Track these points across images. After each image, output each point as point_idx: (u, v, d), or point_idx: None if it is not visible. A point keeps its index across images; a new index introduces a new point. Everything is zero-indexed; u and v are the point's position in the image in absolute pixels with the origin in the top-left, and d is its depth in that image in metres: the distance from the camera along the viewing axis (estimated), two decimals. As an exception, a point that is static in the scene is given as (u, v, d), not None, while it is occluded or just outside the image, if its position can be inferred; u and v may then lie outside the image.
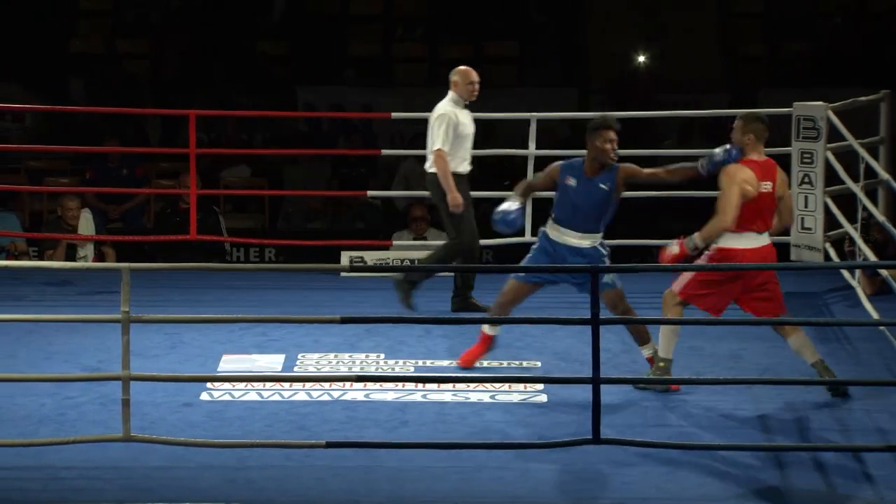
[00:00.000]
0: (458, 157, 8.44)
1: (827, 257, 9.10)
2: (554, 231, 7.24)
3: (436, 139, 8.39)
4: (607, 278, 7.09)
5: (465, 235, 8.46)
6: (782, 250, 9.24)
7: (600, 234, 7.26)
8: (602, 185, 7.16)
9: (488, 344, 7.42)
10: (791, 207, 7.37)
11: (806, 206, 9.11)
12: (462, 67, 8.54)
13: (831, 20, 15.17)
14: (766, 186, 6.99)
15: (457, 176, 8.41)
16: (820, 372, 7.01)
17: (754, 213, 6.97)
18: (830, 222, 9.11)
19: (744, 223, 6.97)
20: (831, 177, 9.07)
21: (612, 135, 7.18)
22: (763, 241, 7.06)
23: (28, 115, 13.80)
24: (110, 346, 7.56)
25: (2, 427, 6.51)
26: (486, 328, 7.38)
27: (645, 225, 12.32)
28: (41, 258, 10.59)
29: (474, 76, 8.49)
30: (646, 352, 7.25)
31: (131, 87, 14.61)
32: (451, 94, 8.47)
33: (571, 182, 7.19)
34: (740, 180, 6.92)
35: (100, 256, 10.48)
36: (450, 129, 8.37)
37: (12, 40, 14.48)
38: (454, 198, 8.35)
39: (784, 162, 9.37)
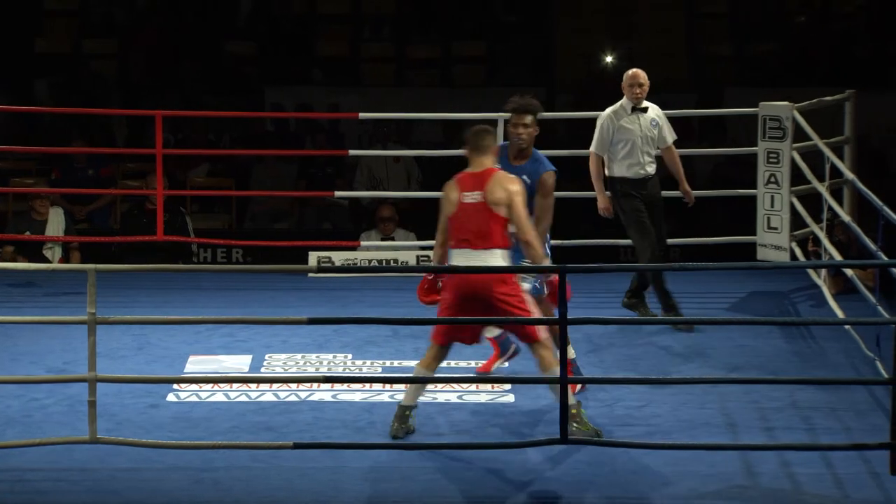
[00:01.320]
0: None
1: (793, 257, 9.14)
2: None
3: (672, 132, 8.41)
4: (537, 283, 6.75)
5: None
6: (748, 249, 9.30)
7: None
8: (524, 176, 6.83)
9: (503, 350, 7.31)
10: (521, 215, 6.38)
11: (772, 206, 9.15)
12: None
13: (797, 20, 15.24)
14: (473, 197, 6.42)
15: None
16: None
17: (459, 227, 6.43)
18: (796, 222, 9.15)
19: (453, 239, 6.47)
20: (797, 176, 9.12)
21: (526, 119, 6.91)
22: (479, 257, 6.38)
23: (-7, 115, 13.71)
24: (77, 348, 7.53)
25: (-33, 429, 6.48)
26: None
27: (612, 225, 12.36)
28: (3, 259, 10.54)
29: (632, 79, 8.45)
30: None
31: (98, 87, 14.54)
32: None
33: None
34: (443, 198, 6.49)
35: (66, 257, 10.43)
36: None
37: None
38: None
39: (750, 161, 9.44)
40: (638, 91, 8.39)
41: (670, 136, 8.46)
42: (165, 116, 9.73)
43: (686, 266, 6.87)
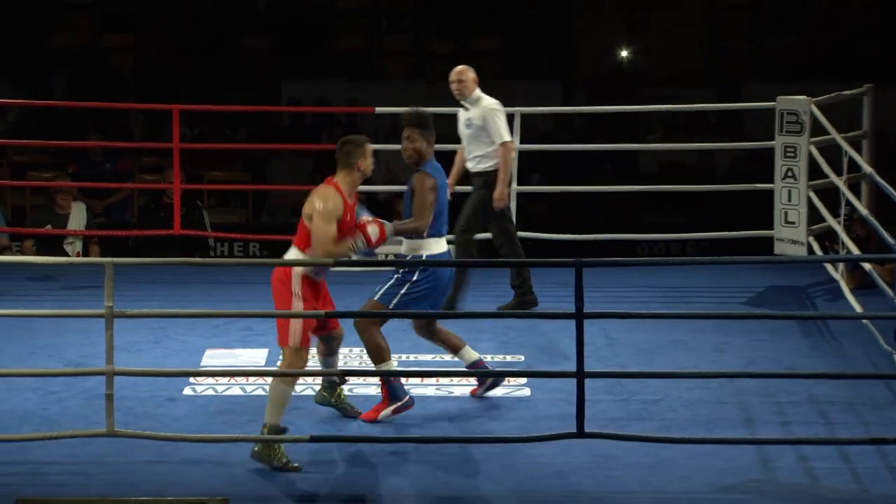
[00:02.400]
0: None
1: (810, 251, 9.12)
2: None
3: (503, 131, 8.31)
4: (377, 288, 6.67)
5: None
6: (765, 244, 9.28)
7: (419, 243, 6.67)
8: (407, 184, 6.75)
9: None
10: (313, 231, 6.36)
11: (789, 200, 9.13)
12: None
13: (814, 15, 15.20)
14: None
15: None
16: None
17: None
18: (814, 216, 9.13)
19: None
20: (814, 171, 9.09)
21: (406, 131, 6.74)
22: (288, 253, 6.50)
23: (11, 109, 13.76)
24: (94, 341, 7.56)
25: (-15, 422, 6.51)
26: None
27: (630, 219, 12.36)
28: (24, 253, 10.57)
29: (450, 76, 8.44)
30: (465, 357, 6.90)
31: (115, 81, 14.58)
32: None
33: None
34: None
35: (85, 250, 10.47)
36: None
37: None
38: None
39: (768, 156, 9.42)
40: (453, 87, 8.38)
41: (496, 136, 8.32)
42: (182, 110, 9.73)
43: (703, 260, 6.87)
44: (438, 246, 6.71)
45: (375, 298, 6.73)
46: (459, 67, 8.47)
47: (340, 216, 6.38)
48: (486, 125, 8.30)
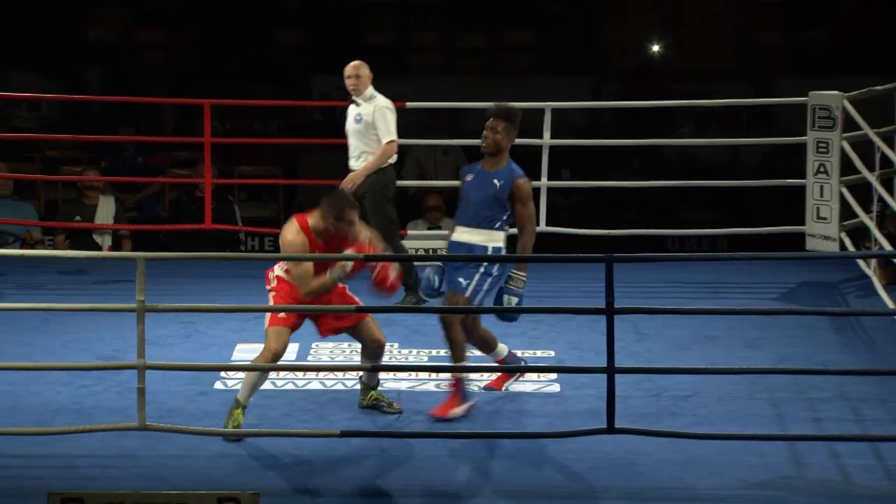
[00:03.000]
0: None
1: (842, 247, 9.08)
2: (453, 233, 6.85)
3: (391, 130, 8.33)
4: (463, 282, 6.65)
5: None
6: (797, 239, 9.24)
7: (497, 235, 6.71)
8: (495, 181, 6.69)
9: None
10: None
11: (821, 196, 9.09)
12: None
13: (847, 9, 15.12)
14: None
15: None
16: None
17: None
18: (846, 212, 9.09)
19: None
20: (847, 166, 9.05)
21: (490, 121, 6.72)
22: None
23: (44, 103, 13.82)
24: (126, 335, 7.58)
25: (18, 415, 6.54)
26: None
27: (660, 214, 12.32)
28: (56, 247, 10.62)
29: (345, 70, 8.45)
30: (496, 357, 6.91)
31: (147, 76, 14.62)
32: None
33: (469, 178, 6.80)
34: None
35: (116, 244, 10.50)
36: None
37: (29, 29, 14.49)
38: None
39: (799, 151, 9.38)
40: (348, 83, 8.41)
41: (385, 135, 8.35)
42: (214, 105, 9.76)
43: (734, 256, 6.84)
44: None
45: (467, 295, 6.65)
46: (356, 63, 8.50)
47: (307, 250, 6.42)
48: (375, 123, 8.31)
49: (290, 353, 7.61)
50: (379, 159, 8.39)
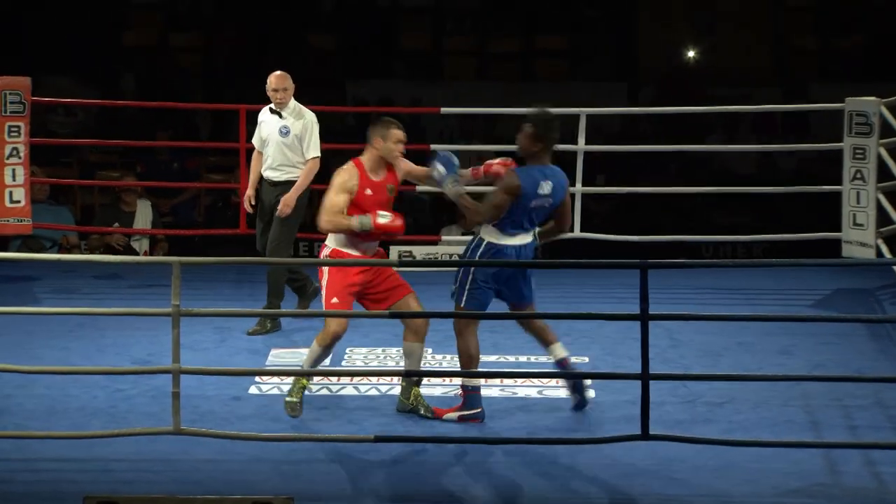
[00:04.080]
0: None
1: (879, 254, 9.03)
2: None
3: (318, 146, 8.30)
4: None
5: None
6: (833, 246, 9.20)
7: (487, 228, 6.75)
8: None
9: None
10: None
11: (858, 202, 9.05)
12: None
13: (883, 14, 15.04)
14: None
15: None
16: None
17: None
18: (882, 219, 9.04)
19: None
20: (883, 173, 9.00)
21: (524, 126, 6.72)
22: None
23: (80, 108, 13.90)
24: (161, 339, 7.62)
25: (55, 419, 6.57)
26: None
27: (695, 220, 12.28)
28: (92, 251, 10.68)
29: (272, 82, 8.36)
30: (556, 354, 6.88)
31: (183, 80, 14.69)
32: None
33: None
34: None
35: (152, 248, 10.56)
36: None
37: (66, 34, 14.58)
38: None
39: (835, 157, 9.33)
40: (275, 96, 8.29)
41: (309, 151, 8.29)
42: (249, 110, 9.80)
43: (769, 262, 6.82)
44: (505, 239, 6.67)
45: (454, 301, 6.76)
46: (281, 73, 8.37)
47: (354, 189, 6.68)
48: (304, 137, 8.27)
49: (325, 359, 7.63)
50: (308, 177, 8.28)
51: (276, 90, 8.31)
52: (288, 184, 8.27)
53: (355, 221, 6.64)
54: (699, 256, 11.17)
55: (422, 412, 6.70)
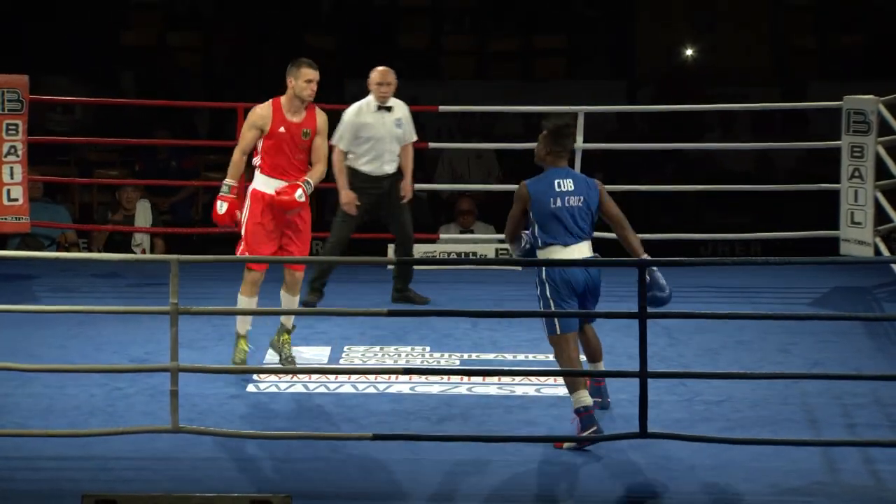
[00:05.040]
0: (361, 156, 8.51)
1: (877, 252, 9.03)
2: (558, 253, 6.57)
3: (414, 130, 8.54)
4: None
5: (334, 236, 8.59)
6: (831, 244, 9.20)
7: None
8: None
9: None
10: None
11: (856, 201, 9.05)
12: (378, 68, 8.55)
13: (882, 13, 15.04)
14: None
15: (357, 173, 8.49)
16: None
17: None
18: (880, 217, 9.04)
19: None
20: (881, 171, 9.00)
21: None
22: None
23: (78, 107, 13.89)
24: (159, 338, 7.62)
25: (52, 417, 6.57)
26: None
27: (693, 218, 12.29)
28: (90, 249, 10.67)
29: (379, 77, 8.49)
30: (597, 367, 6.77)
31: (181, 79, 14.67)
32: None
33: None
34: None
35: (150, 247, 10.56)
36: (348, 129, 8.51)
37: (64, 32, 14.57)
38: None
39: (833, 156, 9.34)
40: (380, 90, 8.43)
41: (411, 136, 8.51)
42: (247, 109, 9.79)
43: (769, 260, 6.82)
44: (557, 254, 6.53)
45: (548, 333, 6.57)
46: (385, 68, 8.60)
47: (266, 126, 7.23)
48: (406, 123, 8.55)
49: (322, 357, 7.63)
50: (411, 160, 8.54)
51: (380, 84, 8.47)
52: (398, 173, 8.50)
53: (227, 182, 7.26)
54: (697, 255, 11.17)
55: (281, 358, 7.25)
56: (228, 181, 7.23)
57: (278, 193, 7.15)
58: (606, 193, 6.69)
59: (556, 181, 6.56)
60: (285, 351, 7.36)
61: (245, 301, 7.31)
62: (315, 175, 7.24)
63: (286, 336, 7.36)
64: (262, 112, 7.25)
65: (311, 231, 7.39)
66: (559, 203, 6.54)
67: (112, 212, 10.66)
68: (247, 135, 7.25)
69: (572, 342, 6.51)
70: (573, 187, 6.58)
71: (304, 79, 7.23)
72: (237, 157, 7.28)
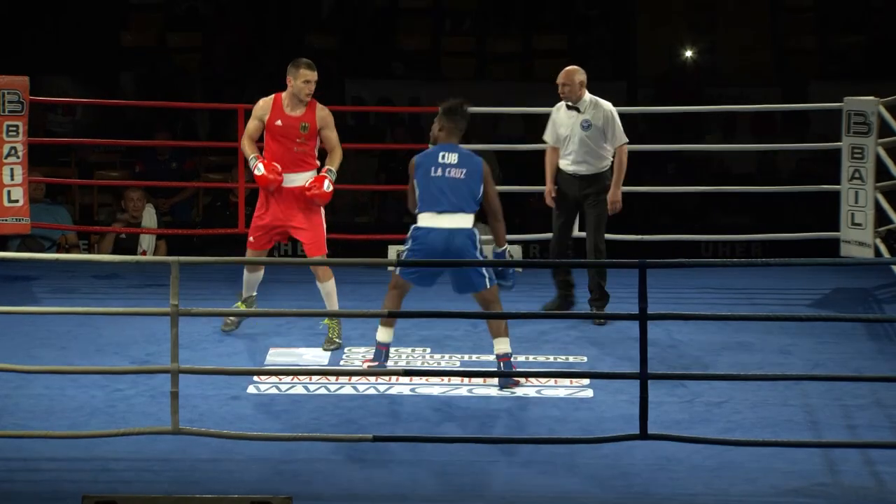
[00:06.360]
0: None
1: (877, 253, 9.03)
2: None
3: (622, 134, 8.34)
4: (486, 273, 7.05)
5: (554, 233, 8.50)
6: (831, 246, 9.20)
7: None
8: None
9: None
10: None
11: (856, 202, 9.05)
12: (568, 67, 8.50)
13: (882, 13, 15.04)
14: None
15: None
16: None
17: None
18: (881, 218, 9.04)
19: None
20: (882, 172, 9.00)
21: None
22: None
23: (78, 108, 13.90)
24: (159, 339, 7.62)
25: (53, 419, 6.57)
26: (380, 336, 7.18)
27: (694, 219, 12.29)
28: (91, 251, 10.67)
29: (559, 78, 8.44)
30: (497, 347, 7.09)
31: (181, 80, 14.68)
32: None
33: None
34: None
35: (154, 249, 10.55)
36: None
37: (64, 33, 14.58)
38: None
39: (834, 157, 9.34)
40: (564, 90, 8.36)
41: (617, 139, 8.33)
42: (247, 110, 9.79)
43: (768, 262, 6.81)
44: (426, 221, 7.05)
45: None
46: (569, 68, 8.50)
47: (265, 117, 7.67)
48: (606, 128, 8.32)
49: (323, 359, 7.63)
50: (623, 166, 8.34)
51: (560, 84, 8.39)
52: (594, 177, 8.34)
53: (252, 157, 7.64)
54: (698, 256, 11.16)
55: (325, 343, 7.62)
56: (251, 155, 7.67)
57: (308, 189, 7.62)
58: (491, 179, 7.14)
59: (441, 153, 7.12)
60: (329, 334, 7.75)
61: (246, 275, 7.96)
62: (335, 162, 7.69)
63: (329, 322, 7.74)
64: (262, 104, 7.74)
65: (323, 221, 7.84)
66: (439, 172, 7.05)
67: (117, 216, 10.64)
68: (249, 125, 7.77)
69: (401, 288, 7.14)
70: (456, 161, 7.10)
71: (302, 79, 7.67)
72: (245, 142, 7.76)
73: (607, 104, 8.37)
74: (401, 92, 14.31)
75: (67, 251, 10.42)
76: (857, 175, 9.06)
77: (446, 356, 7.66)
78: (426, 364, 7.52)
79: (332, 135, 7.74)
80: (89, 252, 10.68)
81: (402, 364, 7.51)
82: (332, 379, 7.16)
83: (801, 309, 8.65)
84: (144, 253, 10.42)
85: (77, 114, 13.99)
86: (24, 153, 9.21)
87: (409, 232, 7.13)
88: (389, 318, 7.07)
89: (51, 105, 13.37)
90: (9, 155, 9.17)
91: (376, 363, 7.14)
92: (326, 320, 7.74)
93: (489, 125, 13.21)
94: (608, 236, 9.52)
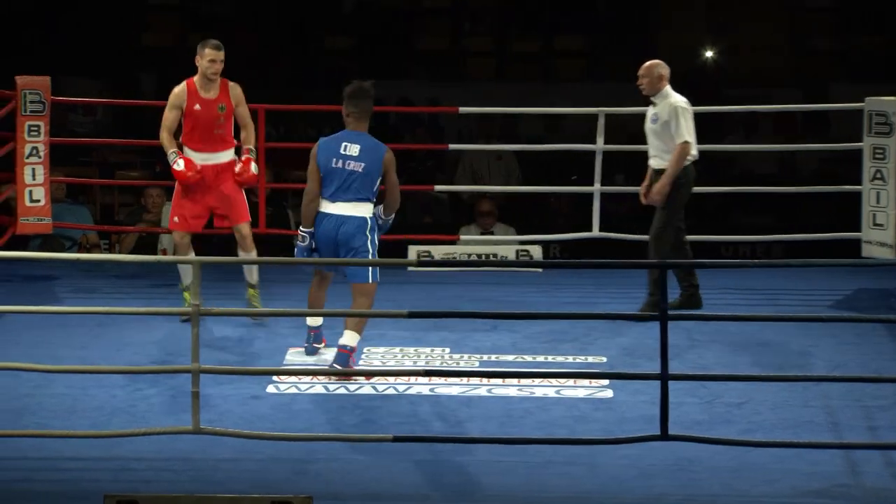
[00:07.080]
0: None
1: (899, 254, 9.00)
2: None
3: (685, 131, 8.30)
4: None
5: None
6: (853, 246, 9.17)
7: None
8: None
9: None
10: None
11: (878, 203, 9.02)
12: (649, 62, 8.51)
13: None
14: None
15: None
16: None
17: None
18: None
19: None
20: (903, 173, 8.97)
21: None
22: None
23: (99, 108, 13.94)
24: (180, 339, 7.63)
25: (74, 418, 6.59)
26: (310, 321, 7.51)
27: (715, 220, 12.26)
28: (112, 250, 10.70)
29: (640, 71, 8.51)
30: (344, 338, 7.25)
31: (201, 80, 14.70)
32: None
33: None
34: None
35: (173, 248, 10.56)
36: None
37: (85, 34, 14.62)
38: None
39: (855, 157, 9.31)
40: (641, 82, 8.43)
41: (676, 136, 8.29)
42: (268, 110, 9.81)
43: (790, 262, 6.80)
44: (324, 206, 7.26)
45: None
46: (646, 63, 8.55)
47: (183, 105, 7.95)
48: (670, 122, 8.31)
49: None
50: (678, 162, 8.29)
51: (641, 76, 8.49)
52: (664, 171, 8.35)
53: (170, 152, 7.89)
54: (719, 256, 11.14)
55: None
56: (170, 151, 7.92)
57: (240, 175, 7.99)
58: (393, 168, 7.39)
59: (343, 143, 7.28)
60: (253, 304, 8.14)
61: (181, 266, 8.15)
62: (251, 139, 8.07)
63: (252, 291, 8.17)
64: (178, 92, 7.99)
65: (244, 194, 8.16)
66: (339, 164, 7.23)
67: (142, 216, 10.67)
68: (168, 115, 7.96)
69: (319, 275, 7.45)
70: (357, 153, 7.27)
71: (207, 59, 7.99)
72: (163, 135, 7.97)
73: (677, 99, 8.36)
74: (420, 92, 14.32)
75: (88, 251, 10.45)
76: (878, 175, 9.03)
77: (465, 356, 7.66)
78: (445, 364, 7.52)
79: (245, 111, 8.07)
80: (110, 252, 10.70)
81: (422, 364, 7.51)
82: (352, 379, 7.16)
83: (822, 310, 8.62)
84: (165, 252, 10.44)
85: (98, 114, 14.04)
86: (45, 153, 9.25)
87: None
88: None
89: (72, 105, 13.41)
90: (30, 155, 9.21)
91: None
92: (250, 293, 8.13)
93: (509, 125, 13.21)
94: (626, 236, 9.52)
